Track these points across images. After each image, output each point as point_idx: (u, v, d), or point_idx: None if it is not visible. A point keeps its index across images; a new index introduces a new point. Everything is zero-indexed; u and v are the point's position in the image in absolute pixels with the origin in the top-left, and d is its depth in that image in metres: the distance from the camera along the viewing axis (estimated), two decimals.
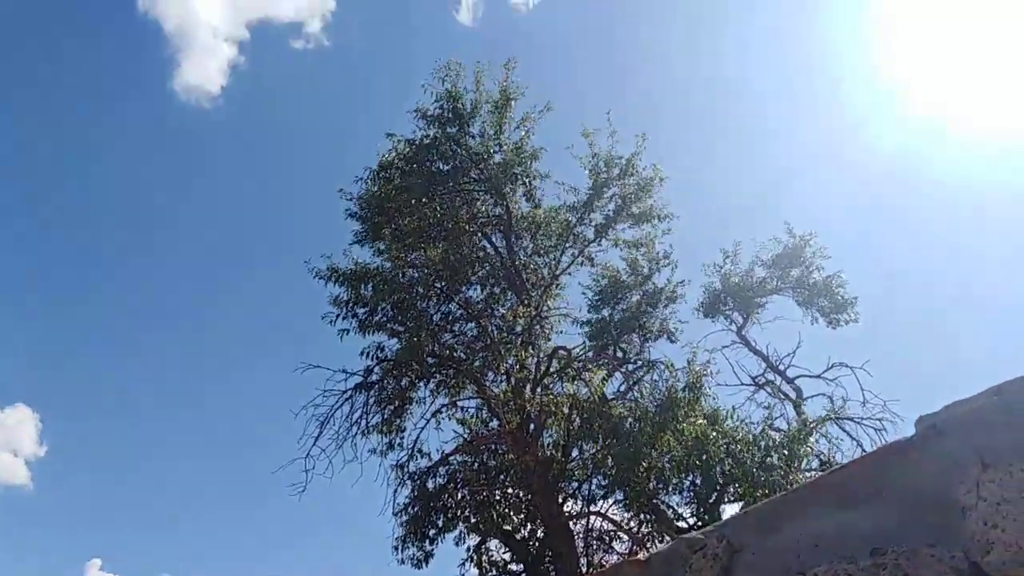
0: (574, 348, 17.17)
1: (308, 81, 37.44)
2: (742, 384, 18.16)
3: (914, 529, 1.69)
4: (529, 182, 16.74)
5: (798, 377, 18.01)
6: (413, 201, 15.85)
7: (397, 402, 15.77)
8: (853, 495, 1.80)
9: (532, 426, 15.74)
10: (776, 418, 17.04)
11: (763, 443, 15.34)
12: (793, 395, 17.91)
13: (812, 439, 15.72)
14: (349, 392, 15.37)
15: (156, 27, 38.39)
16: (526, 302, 16.12)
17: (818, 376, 17.73)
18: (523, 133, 16.69)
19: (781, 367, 18.17)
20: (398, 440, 16.02)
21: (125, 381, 38.62)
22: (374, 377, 15.57)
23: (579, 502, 17.55)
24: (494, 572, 16.74)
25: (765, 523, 1.90)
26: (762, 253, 18.27)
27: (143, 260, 39.83)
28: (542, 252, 17.39)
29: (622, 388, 17.60)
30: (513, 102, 16.59)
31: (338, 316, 15.60)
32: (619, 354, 17.87)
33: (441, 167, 16.64)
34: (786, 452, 14.69)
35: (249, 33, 37.45)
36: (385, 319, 15.67)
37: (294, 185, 38.79)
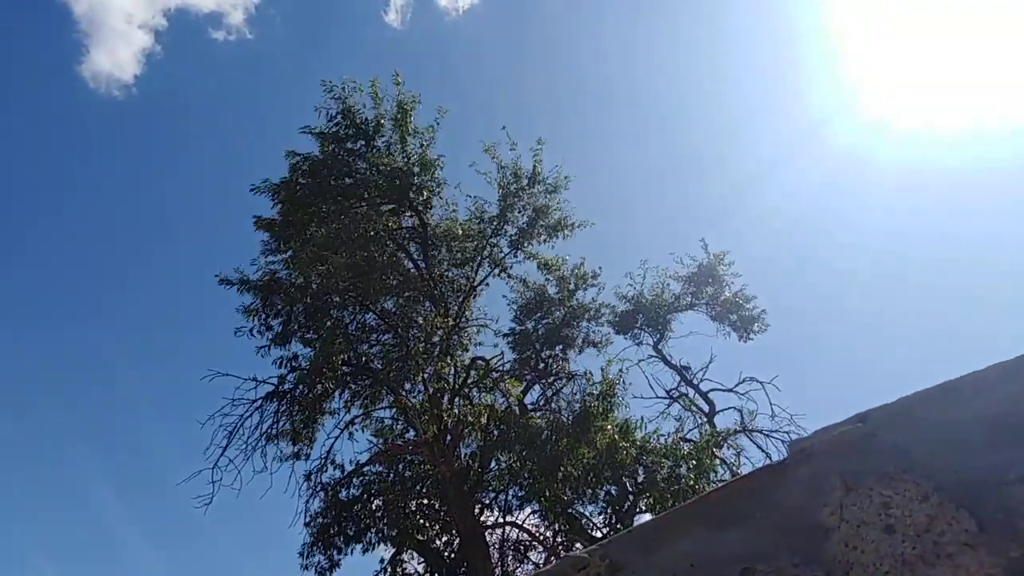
0: (493, 359, 17.25)
1: (227, 74, 36.40)
2: (657, 397, 18.65)
3: (782, 549, 1.77)
4: (438, 192, 16.78)
5: (711, 391, 18.61)
6: (320, 213, 15.67)
7: (310, 411, 15.47)
8: (727, 516, 1.87)
9: (449, 436, 15.69)
10: (689, 430, 17.54)
11: (674, 454, 15.73)
12: (706, 408, 18.47)
13: (720, 451, 16.21)
14: (260, 401, 15.00)
15: (65, 9, 36.68)
16: (444, 312, 16.11)
17: (730, 390, 18.37)
18: (424, 144, 16.73)
19: (695, 381, 18.73)
20: (310, 450, 15.71)
21: (20, 382, 36.52)
22: (287, 386, 15.23)
23: (495, 512, 17.61)
24: None
25: (646, 542, 1.95)
26: (679, 270, 18.80)
27: (37, 255, 37.84)
28: (459, 263, 17.42)
29: (541, 400, 17.79)
30: (411, 114, 16.62)
31: (251, 330, 15.26)
32: (541, 365, 18.03)
33: (346, 181, 16.55)
34: (694, 463, 15.09)
35: (166, 21, 36.23)
36: (298, 328, 15.38)
37: (205, 182, 37.58)
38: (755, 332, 18.23)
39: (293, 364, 15.25)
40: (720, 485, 2.02)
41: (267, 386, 15.08)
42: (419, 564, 16.80)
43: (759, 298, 18.34)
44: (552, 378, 17.92)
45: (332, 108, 16.66)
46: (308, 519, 15.31)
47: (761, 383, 17.68)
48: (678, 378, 18.76)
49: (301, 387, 15.27)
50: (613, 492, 15.84)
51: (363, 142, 16.66)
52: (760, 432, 17.17)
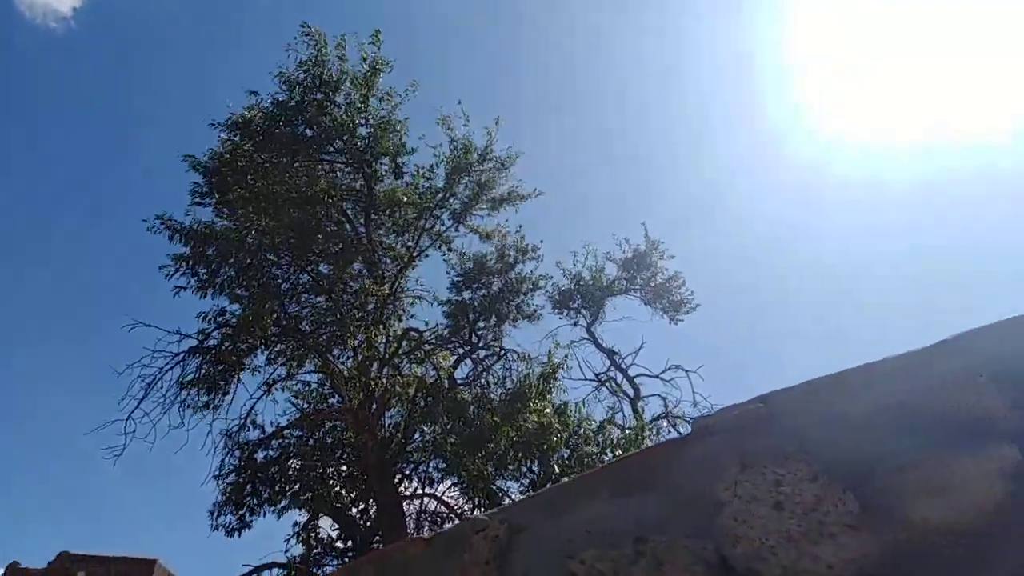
0: (426, 331, 17.15)
1: (172, 10, 34.92)
2: (586, 379, 18.89)
3: (676, 521, 1.82)
4: (395, 158, 16.49)
5: (638, 376, 18.93)
6: (269, 164, 15.20)
7: (233, 369, 15.12)
8: (627, 486, 1.91)
9: (375, 405, 15.58)
10: (616, 413, 17.86)
11: (601, 438, 16.01)
12: (632, 393, 18.81)
13: (645, 436, 16.55)
14: (182, 355, 14.58)
15: None
16: (380, 280, 15.93)
17: (656, 376, 18.72)
18: (390, 107, 16.41)
19: (624, 365, 19.04)
20: (230, 409, 15.39)
21: None
22: (211, 342, 14.84)
23: (415, 483, 17.62)
24: (320, 549, 16.48)
25: (546, 508, 1.97)
26: (617, 254, 19.02)
27: None
28: (400, 232, 17.20)
29: (471, 374, 17.81)
30: (381, 75, 16.28)
31: (176, 271, 14.73)
32: (474, 338, 18.02)
33: (306, 132, 16.09)
34: (620, 451, 15.38)
35: None
36: (228, 282, 14.96)
37: (142, 124, 36.08)
38: (683, 315, 18.68)
39: (219, 319, 14.85)
40: (623, 456, 2.06)
41: (191, 340, 14.67)
42: (333, 530, 16.71)
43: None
44: (484, 353, 17.96)
45: (303, 53, 16.12)
46: (220, 474, 14.99)
47: (686, 371, 18.09)
48: (608, 362, 19.04)
49: (226, 344, 14.89)
50: (536, 470, 16.03)
51: (325, 94, 16.20)
52: (682, 419, 17.58)
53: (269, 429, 15.83)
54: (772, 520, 1.73)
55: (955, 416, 1.73)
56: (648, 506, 1.86)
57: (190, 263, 14.73)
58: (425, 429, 16.89)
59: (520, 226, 17.85)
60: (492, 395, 16.30)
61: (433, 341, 17.04)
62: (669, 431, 17.46)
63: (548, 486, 1.98)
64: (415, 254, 17.01)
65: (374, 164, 16.05)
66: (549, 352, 16.26)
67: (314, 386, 16.82)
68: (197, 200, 15.73)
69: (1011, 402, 1.70)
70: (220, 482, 14.95)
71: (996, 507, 1.60)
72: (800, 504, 1.72)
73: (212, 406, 14.75)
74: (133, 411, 14.17)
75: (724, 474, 1.83)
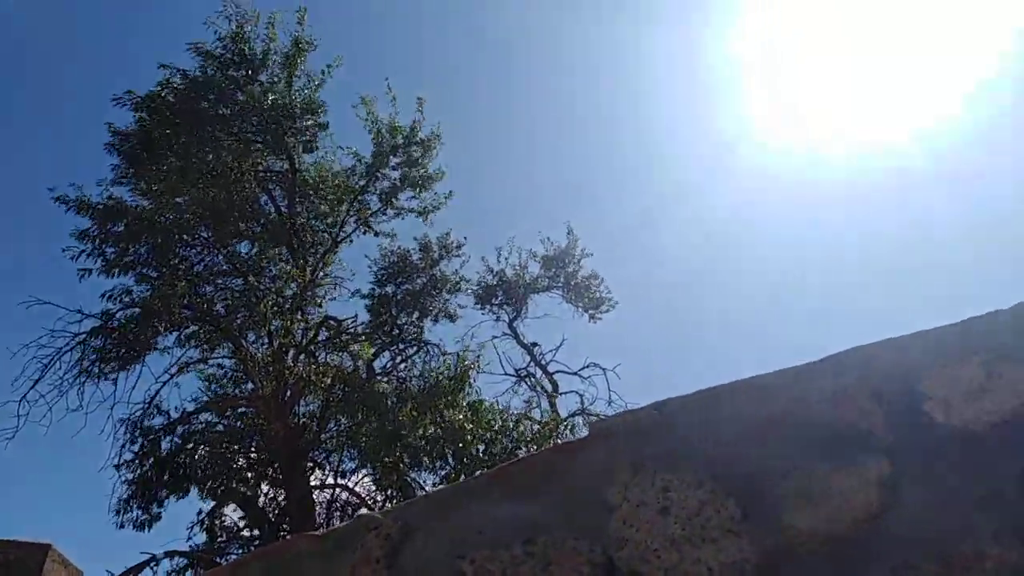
0: (345, 319, 16.94)
1: None
2: (506, 374, 19.06)
3: (566, 523, 1.85)
4: (315, 139, 16.19)
5: (557, 372, 19.22)
6: (183, 139, 14.68)
7: (138, 352, 14.57)
8: (521, 487, 1.93)
9: (288, 393, 15.30)
10: (532, 409, 18.07)
11: (515, 433, 16.14)
12: (550, 389, 19.07)
13: (560, 432, 16.78)
14: (83, 335, 13.96)
15: None
16: (301, 265, 15.63)
17: (574, 373, 19.05)
18: (313, 87, 16.09)
19: (544, 361, 19.30)
20: (133, 392, 14.83)
21: None
22: (115, 323, 14.25)
23: (327, 473, 17.42)
24: (225, 538, 16.09)
25: (440, 508, 1.98)
26: (538, 250, 19.25)
27: None
28: (323, 216, 16.91)
29: (389, 365, 17.70)
30: (305, 53, 15.95)
31: (81, 253, 14.08)
32: (395, 331, 17.90)
33: (221, 111, 15.62)
34: (535, 447, 15.54)
35: None
36: (137, 261, 14.38)
37: (50, 92, 34.18)
38: (602, 313, 19.05)
39: (125, 299, 14.26)
40: (518, 458, 2.08)
41: (93, 321, 14.06)
42: (239, 519, 16.35)
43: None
44: (404, 345, 17.87)
45: (223, 28, 15.61)
46: (121, 463, 14.44)
47: (603, 369, 18.45)
48: (528, 357, 19.23)
49: (132, 326, 14.32)
50: (451, 463, 16.03)
51: (246, 72, 15.73)
52: (597, 416, 17.89)
53: (175, 415, 15.33)
54: (658, 524, 1.78)
55: (836, 429, 1.81)
56: (540, 507, 1.89)
57: (96, 241, 14.09)
58: (341, 419, 16.69)
59: (446, 196, 17.73)
60: (410, 387, 16.23)
61: (352, 331, 16.84)
62: (584, 427, 17.77)
63: (444, 486, 1.98)
64: (338, 239, 16.74)
65: (295, 144, 15.70)
66: (459, 354, 16.27)
67: (227, 370, 16.38)
68: (116, 179, 15.06)
69: (887, 417, 1.79)
70: (123, 473, 14.41)
71: (869, 515, 1.69)
72: (685, 509, 1.78)
73: (126, 398, 14.19)
74: (27, 392, 13.52)
75: (616, 478, 1.87)
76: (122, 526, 14.75)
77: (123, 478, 14.67)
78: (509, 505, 1.91)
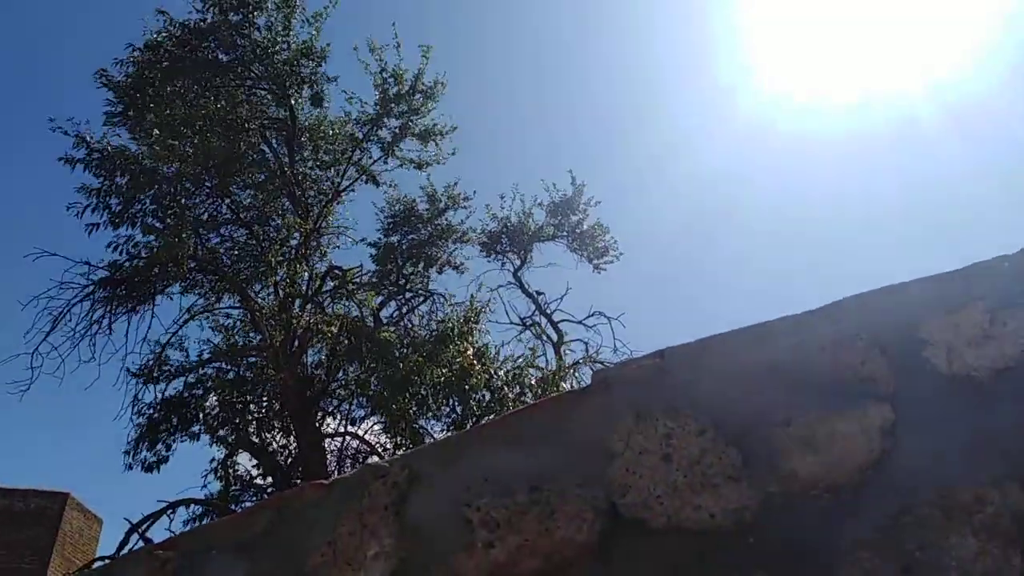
0: (351, 268, 16.97)
1: None
2: (511, 323, 19.20)
3: (570, 470, 1.87)
4: (316, 85, 15.95)
5: (562, 321, 19.34)
6: (184, 88, 14.48)
7: (147, 303, 14.66)
8: (524, 437, 1.95)
9: (296, 343, 15.44)
10: (538, 357, 18.22)
11: (521, 381, 16.31)
12: (555, 338, 19.19)
13: (564, 382, 16.94)
14: (91, 287, 14.04)
15: None
16: (304, 215, 15.59)
17: (579, 322, 19.18)
18: (313, 31, 15.79)
19: (548, 310, 19.39)
20: (144, 345, 14.97)
21: None
22: (122, 273, 14.30)
23: (338, 421, 17.68)
24: (239, 486, 16.43)
25: (446, 456, 2.00)
26: (543, 198, 19.14)
27: None
28: (325, 165, 16.78)
29: (396, 315, 17.80)
30: None
31: (87, 207, 14.03)
32: (401, 281, 17.95)
33: (220, 57, 15.37)
34: (540, 392, 15.72)
35: None
36: (142, 213, 14.36)
37: (49, 41, 33.67)
38: (606, 263, 19.05)
39: (131, 250, 14.28)
40: (521, 408, 2.10)
41: (101, 272, 14.11)
42: (252, 466, 16.67)
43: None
44: (410, 295, 17.94)
45: None
46: (136, 411, 14.67)
47: (608, 318, 18.55)
48: (533, 306, 19.33)
49: (139, 277, 14.38)
50: (459, 411, 16.24)
51: (243, 15, 15.42)
52: (602, 364, 18.03)
53: (185, 363, 15.50)
54: (660, 471, 1.80)
55: (838, 376, 1.82)
56: (544, 456, 1.91)
57: (101, 194, 14.03)
58: (348, 368, 16.86)
59: (451, 152, 17.58)
60: (417, 335, 16.34)
61: (358, 280, 16.88)
62: (589, 376, 17.92)
63: (449, 434, 2.00)
64: (341, 188, 16.66)
65: (296, 92, 15.48)
66: (471, 297, 16.35)
67: (234, 321, 16.50)
68: (112, 121, 14.88)
69: (889, 364, 1.79)
70: (134, 416, 14.65)
71: (869, 462, 1.70)
72: (687, 456, 1.80)
73: (137, 348, 14.32)
74: (39, 345, 13.67)
75: (618, 426, 1.89)
76: (130, 467, 15.04)
77: (133, 421, 14.91)
78: (513, 454, 1.94)
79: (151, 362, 15.13)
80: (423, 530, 1.90)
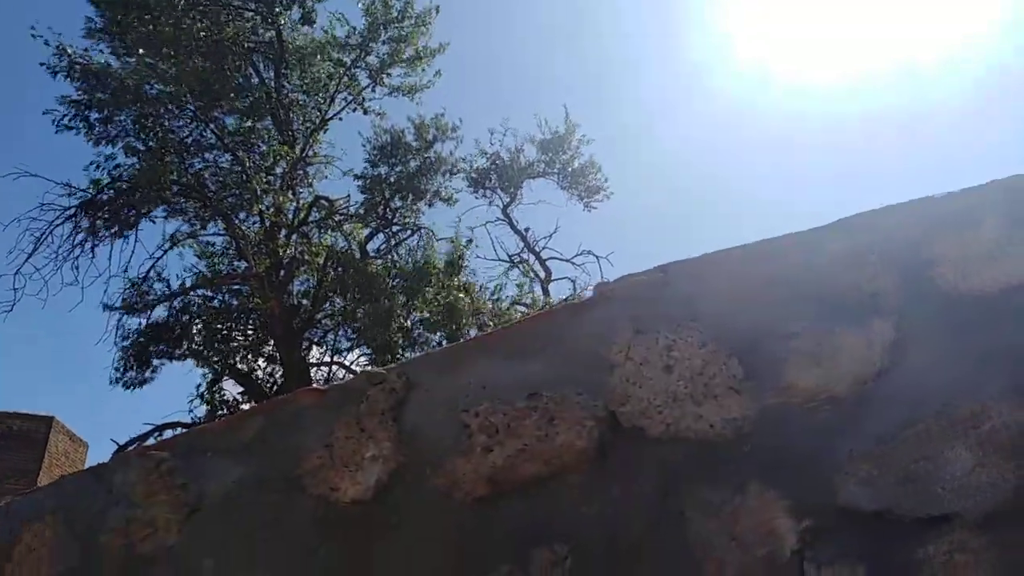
0: (338, 199, 16.80)
1: None
2: (499, 260, 19.20)
3: (569, 380, 1.86)
4: (305, 4, 15.46)
5: (550, 259, 19.35)
6: (168, 6, 13.97)
7: (130, 227, 14.46)
8: (523, 347, 1.93)
9: (283, 272, 15.35)
10: (525, 295, 18.29)
11: (507, 317, 16.38)
12: (543, 275, 19.24)
13: None
14: (73, 209, 13.81)
15: None
16: (291, 142, 15.31)
17: (568, 260, 19.21)
18: None
19: (537, 248, 19.38)
20: (129, 267, 14.82)
21: None
22: (104, 196, 14.05)
23: (324, 351, 17.74)
24: (225, 410, 16.53)
25: (442, 365, 1.99)
26: (535, 134, 18.90)
27: None
28: (312, 91, 16.40)
29: (383, 248, 17.71)
30: None
31: (65, 116, 13.65)
32: (388, 214, 17.79)
33: None
34: None
35: None
36: (124, 132, 14.01)
37: None
38: (597, 202, 18.98)
39: (112, 172, 14.00)
40: (519, 320, 2.08)
41: (82, 195, 13.85)
42: (239, 393, 16.74)
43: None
44: (397, 228, 17.82)
45: None
46: (120, 335, 14.63)
47: (597, 257, 18.60)
48: (521, 243, 19.29)
49: (121, 200, 14.14)
50: (444, 345, 16.31)
51: None
52: None
53: (170, 288, 15.42)
54: (660, 381, 1.79)
55: (842, 291, 1.80)
56: (543, 365, 1.89)
57: (81, 107, 13.67)
58: (335, 299, 16.85)
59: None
60: (404, 268, 16.30)
61: (346, 212, 16.72)
62: None
63: (445, 346, 1.98)
64: (328, 116, 16.34)
65: (284, 11, 15.01)
66: (454, 238, 16.26)
67: (219, 248, 16.36)
68: (94, 35, 14.39)
69: (896, 280, 1.77)
70: (118, 339, 14.61)
71: (872, 375, 1.69)
72: (688, 368, 1.79)
73: (108, 259, 14.18)
74: (22, 266, 13.52)
75: (618, 338, 1.87)
76: (115, 382, 15.04)
77: (117, 345, 14.88)
78: (511, 363, 1.92)
79: (132, 296, 15.00)
80: (421, 435, 1.90)
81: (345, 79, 16.23)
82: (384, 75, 16.36)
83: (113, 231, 14.24)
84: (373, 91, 16.71)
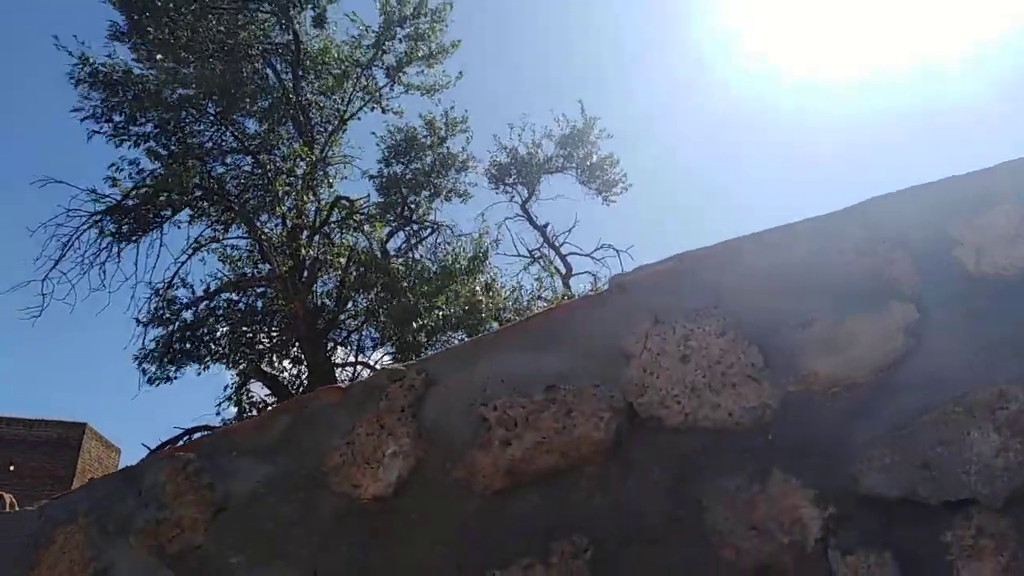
0: (358, 199, 16.89)
1: None
2: (519, 256, 19.22)
3: (586, 372, 1.87)
4: (318, 6, 15.55)
5: (570, 254, 19.34)
6: (186, 10, 14.13)
7: (155, 231, 14.68)
8: (541, 339, 1.95)
9: (305, 273, 15.49)
10: (545, 290, 18.29)
11: (527, 314, 16.39)
12: (563, 270, 19.22)
13: None
14: (99, 215, 14.03)
15: None
16: (310, 143, 15.42)
17: (587, 255, 19.19)
18: None
19: (557, 243, 19.36)
20: (154, 272, 15.06)
21: None
22: (129, 202, 14.26)
23: (349, 351, 17.88)
24: (254, 412, 16.72)
25: (461, 360, 2.00)
26: (553, 129, 18.88)
27: None
28: (330, 91, 16.50)
29: (403, 246, 17.79)
30: None
31: (88, 116, 13.84)
32: (406, 212, 17.85)
33: None
34: None
35: None
36: (145, 137, 14.20)
37: None
38: (616, 195, 18.93)
39: (135, 176, 14.19)
40: (536, 313, 2.09)
41: (108, 200, 14.08)
42: (266, 396, 16.91)
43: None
44: (417, 226, 17.88)
45: None
46: (146, 322, 14.77)
47: (617, 251, 18.56)
48: (541, 239, 19.29)
49: (145, 206, 14.34)
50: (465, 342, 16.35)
51: None
52: None
53: (192, 293, 15.60)
54: (678, 371, 1.79)
55: (860, 277, 1.79)
56: (560, 357, 1.91)
57: (104, 110, 13.87)
58: (357, 299, 16.95)
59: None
60: (426, 266, 16.37)
61: (366, 211, 16.81)
62: None
63: (463, 341, 2.00)
64: (346, 116, 16.42)
65: (298, 13, 15.10)
66: (479, 234, 16.29)
67: (243, 251, 16.53)
68: (116, 37, 14.57)
69: (915, 265, 1.76)
70: (145, 331, 14.77)
71: (891, 361, 1.68)
72: (706, 357, 1.79)
73: (135, 265, 14.38)
74: (50, 271, 13.77)
75: (636, 328, 1.88)
76: (144, 375, 15.17)
77: (143, 339, 15.02)
78: (529, 356, 1.93)
79: (158, 306, 15.17)
80: (440, 430, 1.92)
81: (362, 79, 16.33)
82: (401, 73, 16.42)
83: (138, 235, 14.46)
84: (391, 89, 16.80)
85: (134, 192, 14.24)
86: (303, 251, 14.93)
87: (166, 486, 2.13)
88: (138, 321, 14.83)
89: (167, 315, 15.19)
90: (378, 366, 17.51)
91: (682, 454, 1.73)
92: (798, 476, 1.63)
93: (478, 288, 15.79)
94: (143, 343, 15.07)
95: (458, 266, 15.68)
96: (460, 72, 17.17)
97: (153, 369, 15.32)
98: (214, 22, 14.54)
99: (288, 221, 15.05)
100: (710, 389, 1.76)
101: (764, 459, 1.67)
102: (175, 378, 15.53)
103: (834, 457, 1.63)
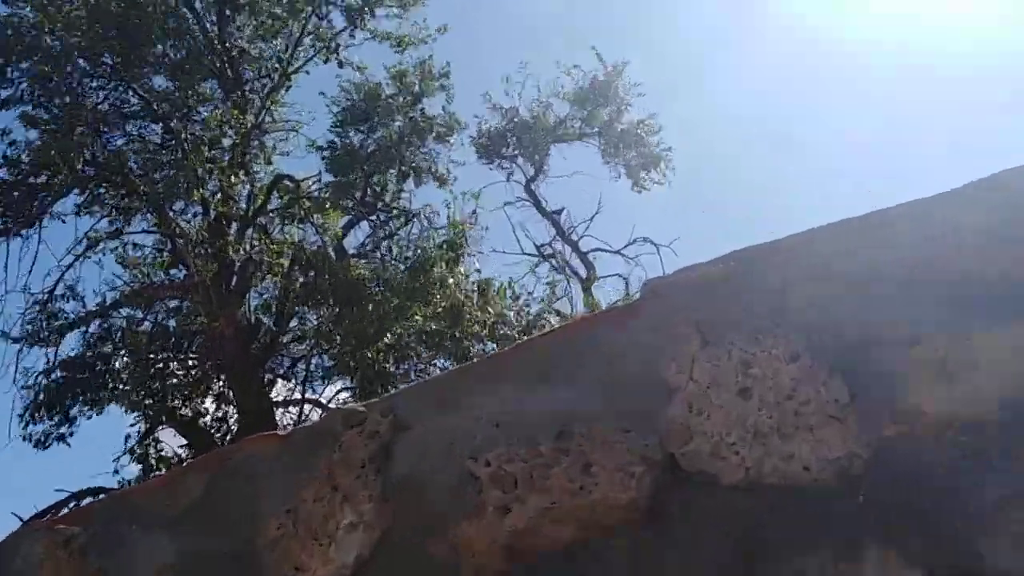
0: (306, 179, 16.91)
1: None
2: (524, 253, 19.04)
3: (611, 411, 1.86)
4: None
5: (592, 251, 19.18)
6: None
7: (33, 225, 14.72)
8: (552, 367, 1.94)
9: (235, 280, 15.51)
10: (559, 298, 18.10)
11: (536, 328, 16.33)
12: (583, 272, 19.08)
13: None
14: None
15: None
16: (241, 106, 15.46)
17: (616, 252, 19.03)
18: None
19: (574, 236, 19.20)
20: (31, 277, 15.03)
21: None
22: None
23: (292, 384, 17.86)
24: (163, 470, 16.71)
25: (442, 398, 2.00)
26: (565, 83, 18.62)
27: None
28: (269, 35, 16.53)
29: (368, 242, 17.75)
30: None
31: None
32: (369, 197, 17.81)
33: None
34: None
35: None
36: (19, 98, 14.22)
37: None
38: (654, 180, 18.61)
39: (5, 150, 14.21)
40: (548, 331, 2.09)
41: None
42: (180, 447, 16.91)
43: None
44: (383, 215, 17.84)
45: None
46: (25, 380, 14.84)
47: (656, 245, 18.40)
48: (553, 230, 19.16)
49: (20, 188, 14.39)
50: (449, 367, 16.32)
51: None
52: None
53: (89, 305, 15.60)
54: (736, 410, 1.79)
55: (979, 279, 1.78)
56: (577, 392, 1.90)
57: None
58: (306, 314, 16.94)
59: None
60: (397, 268, 16.31)
61: (315, 196, 16.78)
62: None
63: (447, 370, 1.99)
64: (290, 70, 16.44)
65: None
66: (448, 208, 16.11)
67: (149, 250, 16.52)
68: None
69: None
70: (18, 374, 14.78)
71: (1017, 394, 1.67)
72: (773, 390, 1.78)
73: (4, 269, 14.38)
74: None
75: (677, 351, 1.87)
76: (25, 439, 15.20)
77: (18, 388, 15.05)
78: (533, 391, 1.93)
79: (37, 319, 15.13)
80: (414, 492, 1.91)
81: (312, 21, 16.36)
82: (366, 15, 16.42)
83: (10, 229, 14.45)
84: (352, 36, 16.80)
85: (3, 171, 14.29)
86: (231, 250, 14.96)
87: (41, 567, 2.12)
88: (5, 335, 14.82)
89: (46, 332, 15.20)
90: (332, 405, 17.50)
91: (743, 521, 1.72)
92: (900, 551, 1.63)
93: (458, 285, 15.66)
94: (14, 373, 15.07)
95: (431, 257, 15.49)
96: (444, 25, 17.15)
97: (39, 428, 15.33)
98: None
99: (211, 209, 15.08)
100: (779, 434, 1.75)
101: (853, 528, 1.66)
102: (69, 435, 15.55)
103: (950, 525, 1.62)
